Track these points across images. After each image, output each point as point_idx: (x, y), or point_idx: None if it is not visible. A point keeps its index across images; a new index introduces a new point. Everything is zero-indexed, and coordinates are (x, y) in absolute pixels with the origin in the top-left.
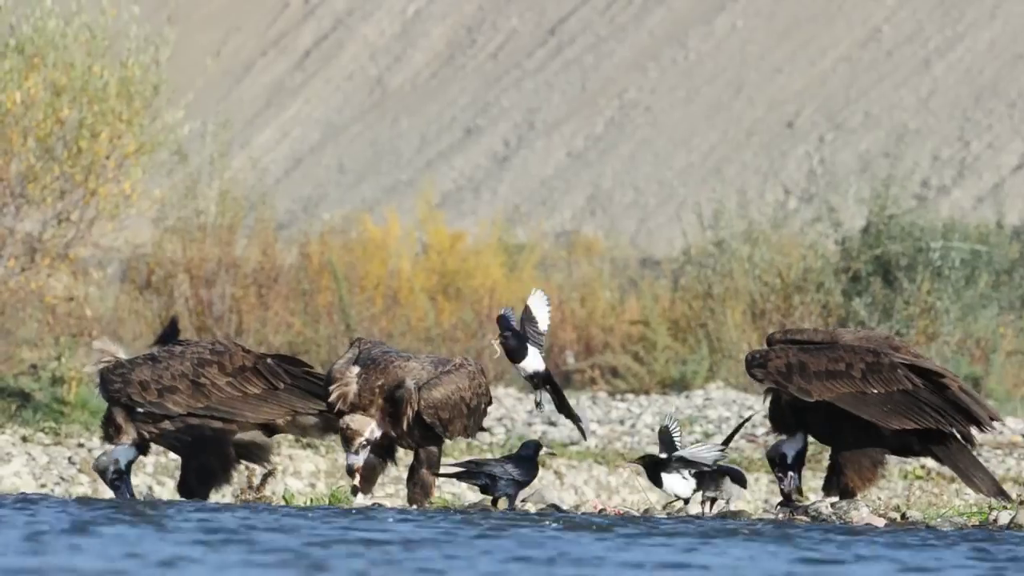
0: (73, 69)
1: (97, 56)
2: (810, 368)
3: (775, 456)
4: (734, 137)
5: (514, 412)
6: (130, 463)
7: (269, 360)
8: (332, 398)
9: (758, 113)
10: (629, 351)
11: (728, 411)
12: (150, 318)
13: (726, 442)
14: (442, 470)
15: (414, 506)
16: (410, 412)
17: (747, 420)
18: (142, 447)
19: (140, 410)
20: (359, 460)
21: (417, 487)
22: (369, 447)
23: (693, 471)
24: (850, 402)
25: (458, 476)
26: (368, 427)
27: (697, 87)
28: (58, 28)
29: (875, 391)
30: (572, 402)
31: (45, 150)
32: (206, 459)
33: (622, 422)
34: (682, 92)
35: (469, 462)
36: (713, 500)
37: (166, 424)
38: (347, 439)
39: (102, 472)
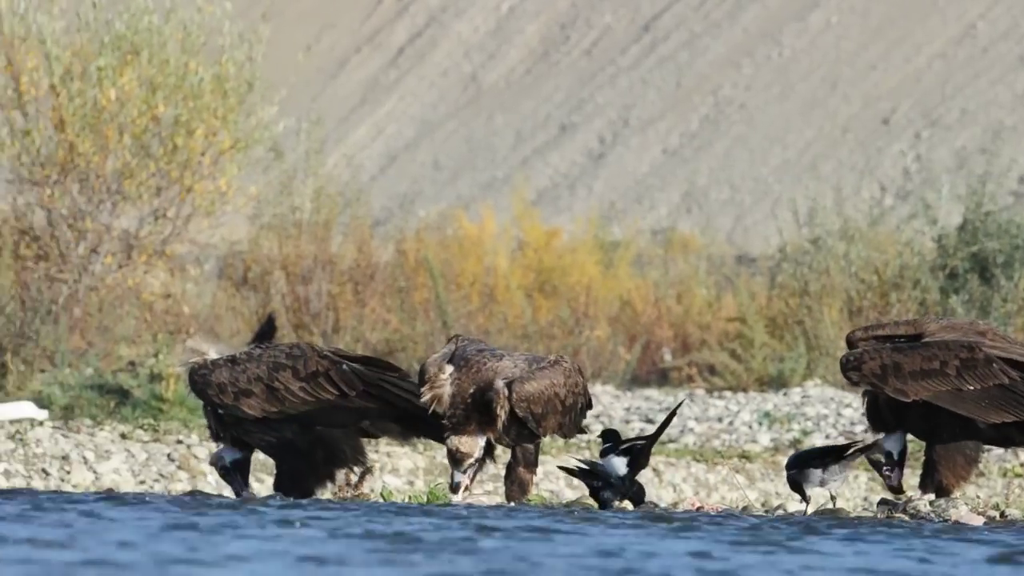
0: (168, 66)
1: (192, 53)
2: (905, 368)
3: (879, 454)
4: (829, 134)
5: (611, 409)
6: (236, 461)
7: (345, 366)
8: (425, 400)
9: (853, 110)
10: (726, 348)
11: (826, 408)
12: (247, 315)
13: (659, 430)
14: (563, 464)
15: (511, 503)
16: (502, 413)
17: (679, 406)
18: (244, 446)
19: (220, 411)
20: (466, 479)
21: (515, 484)
22: (477, 465)
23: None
24: (947, 400)
25: (572, 472)
26: (477, 448)
27: (792, 84)
28: (153, 25)
29: (971, 387)
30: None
31: (141, 147)
32: (294, 462)
33: (720, 420)
34: (777, 89)
35: (588, 462)
36: (806, 499)
37: (249, 426)
38: (456, 460)
39: (214, 466)
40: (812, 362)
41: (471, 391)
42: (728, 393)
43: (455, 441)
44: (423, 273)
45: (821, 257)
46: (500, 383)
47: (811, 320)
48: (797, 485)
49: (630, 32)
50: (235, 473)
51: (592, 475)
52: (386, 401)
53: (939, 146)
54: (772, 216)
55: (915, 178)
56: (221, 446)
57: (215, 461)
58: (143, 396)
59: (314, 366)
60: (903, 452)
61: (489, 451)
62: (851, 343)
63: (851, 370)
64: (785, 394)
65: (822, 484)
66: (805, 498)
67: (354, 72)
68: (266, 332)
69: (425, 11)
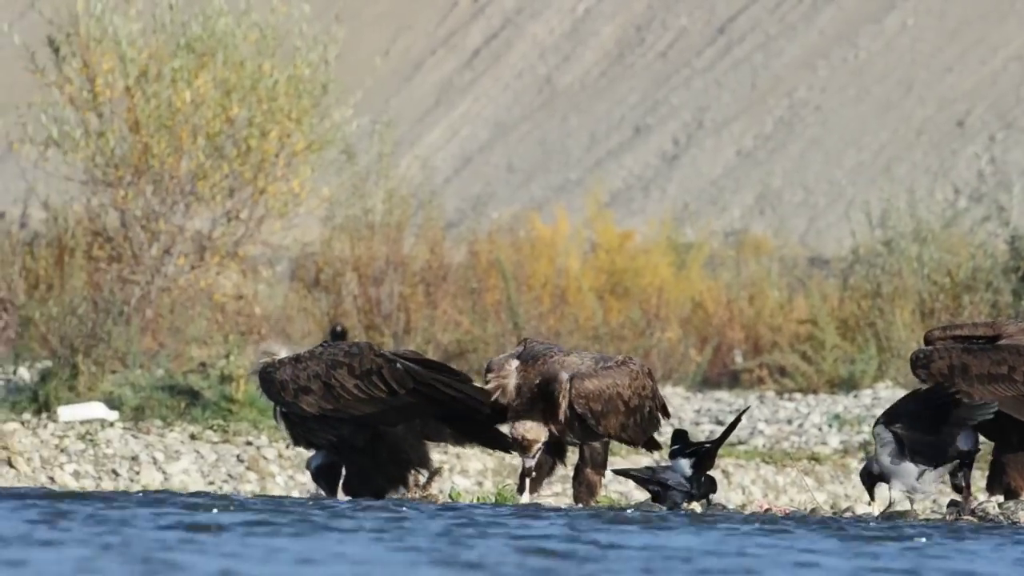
0: (242, 68)
1: (267, 55)
2: (972, 370)
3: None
4: (904, 136)
5: (681, 411)
6: (319, 467)
7: (399, 364)
8: (490, 387)
9: (928, 112)
10: (797, 350)
11: None
12: (319, 316)
13: (724, 435)
14: (619, 468)
15: (579, 504)
16: (563, 403)
17: (744, 411)
18: (326, 450)
19: (283, 410)
20: (533, 463)
21: (583, 486)
22: (548, 469)
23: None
24: (1011, 405)
25: (632, 478)
26: (544, 433)
27: (867, 86)
28: (228, 27)
29: None
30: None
31: (215, 148)
32: (360, 463)
33: (790, 421)
34: (852, 91)
35: (645, 468)
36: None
37: (313, 424)
38: (524, 448)
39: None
40: (883, 364)
41: (536, 382)
42: (798, 395)
43: (520, 429)
44: (495, 275)
45: (894, 259)
46: (564, 375)
47: (883, 322)
48: (872, 477)
49: (705, 34)
50: (319, 480)
51: (649, 481)
52: (437, 400)
53: (1014, 148)
54: (845, 218)
55: (989, 180)
56: (312, 452)
57: (307, 467)
58: (213, 397)
59: (369, 364)
60: (971, 454)
61: (559, 452)
62: (928, 341)
63: (920, 367)
64: (855, 396)
65: (911, 491)
66: (872, 496)
67: (429, 74)
68: (337, 336)
69: (500, 13)
